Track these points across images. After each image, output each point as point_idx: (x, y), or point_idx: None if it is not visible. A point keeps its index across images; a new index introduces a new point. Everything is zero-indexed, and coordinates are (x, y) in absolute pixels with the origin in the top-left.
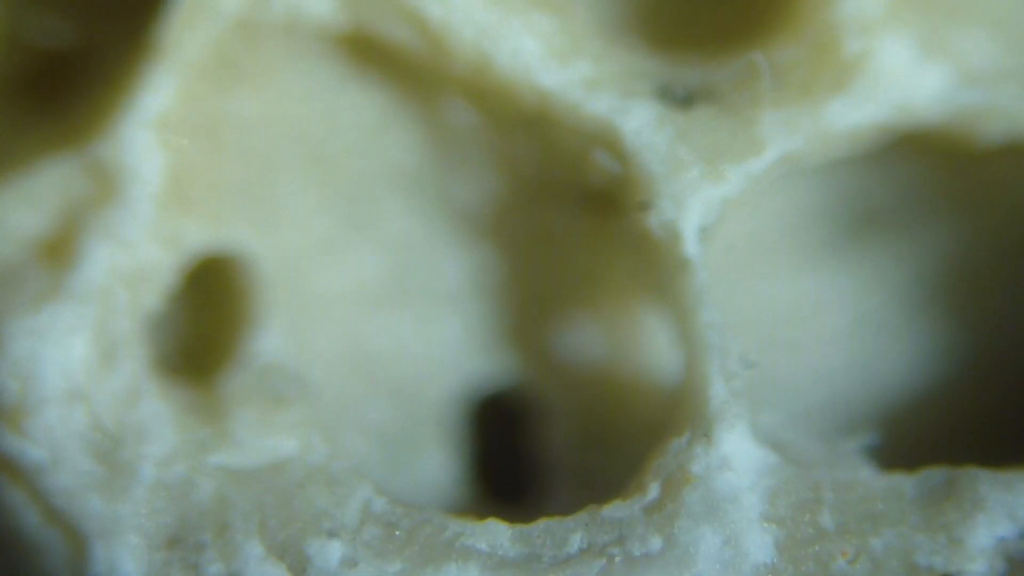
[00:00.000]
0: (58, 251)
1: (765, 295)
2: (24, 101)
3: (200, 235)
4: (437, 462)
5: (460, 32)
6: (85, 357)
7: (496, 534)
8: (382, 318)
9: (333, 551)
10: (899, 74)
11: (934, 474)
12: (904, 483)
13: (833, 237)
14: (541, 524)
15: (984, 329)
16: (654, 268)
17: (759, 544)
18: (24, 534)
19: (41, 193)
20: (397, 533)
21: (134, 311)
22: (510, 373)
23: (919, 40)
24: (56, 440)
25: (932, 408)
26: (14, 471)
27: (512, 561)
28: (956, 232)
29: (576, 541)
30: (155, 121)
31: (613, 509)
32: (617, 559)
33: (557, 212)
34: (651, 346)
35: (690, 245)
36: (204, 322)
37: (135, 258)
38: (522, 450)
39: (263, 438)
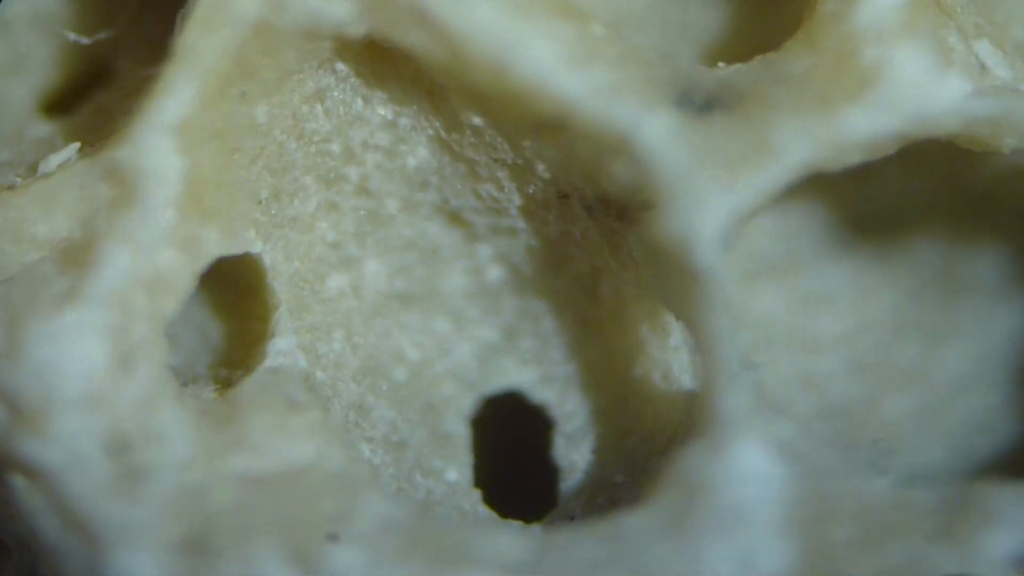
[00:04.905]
0: (77, 256)
1: (768, 300)
2: (49, 108)
3: (217, 240)
4: (450, 469)
5: (478, 39)
6: (104, 362)
7: (512, 541)
8: (392, 324)
9: (350, 558)
10: (916, 84)
11: (950, 486)
12: (920, 494)
13: (836, 241)
14: (555, 532)
15: (989, 336)
16: (670, 277)
17: (774, 556)
18: (42, 538)
19: (61, 198)
20: (414, 540)
21: (152, 316)
22: (522, 379)
23: (936, 50)
24: (75, 444)
25: (940, 415)
26: (33, 475)
27: (527, 569)
28: (962, 239)
29: (590, 550)
30: (174, 126)
31: (626, 519)
32: (630, 570)
33: (570, 220)
34: (665, 354)
35: (706, 254)
36: (220, 326)
37: (154, 263)
38: (535, 457)
39: (279, 444)
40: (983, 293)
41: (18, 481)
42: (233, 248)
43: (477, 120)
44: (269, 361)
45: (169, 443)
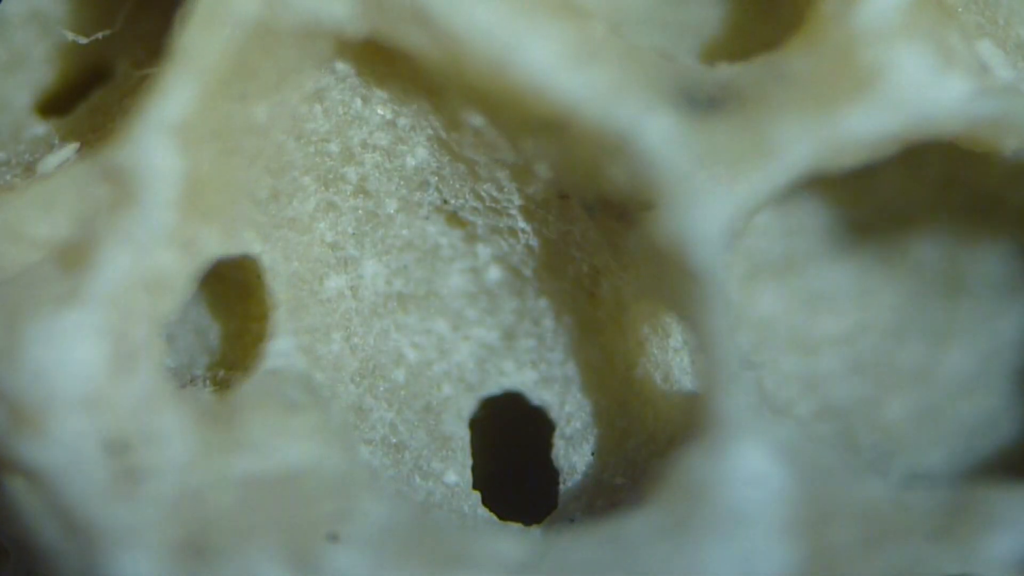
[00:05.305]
0: (76, 256)
1: (768, 300)
2: (46, 107)
3: (216, 241)
4: (450, 471)
5: (478, 39)
6: (103, 363)
7: (511, 544)
8: (391, 325)
9: (350, 560)
10: (917, 84)
11: (951, 487)
12: (921, 496)
13: (837, 241)
14: (555, 534)
15: (990, 337)
16: (670, 277)
17: (775, 558)
18: (40, 540)
19: (59, 198)
20: (413, 542)
21: (151, 317)
22: (521, 381)
23: (937, 50)
24: (74, 445)
25: (941, 416)
26: (32, 476)
27: (527, 571)
28: (963, 240)
29: (590, 553)
30: (174, 127)
31: (626, 521)
32: (630, 573)
33: (570, 220)
34: (666, 356)
35: (707, 254)
36: (218, 328)
37: (153, 264)
38: (534, 459)
39: (279, 445)
40: (985, 294)
41: (17, 482)
42: (232, 249)
43: (477, 120)
44: (268, 362)
45: (168, 444)
